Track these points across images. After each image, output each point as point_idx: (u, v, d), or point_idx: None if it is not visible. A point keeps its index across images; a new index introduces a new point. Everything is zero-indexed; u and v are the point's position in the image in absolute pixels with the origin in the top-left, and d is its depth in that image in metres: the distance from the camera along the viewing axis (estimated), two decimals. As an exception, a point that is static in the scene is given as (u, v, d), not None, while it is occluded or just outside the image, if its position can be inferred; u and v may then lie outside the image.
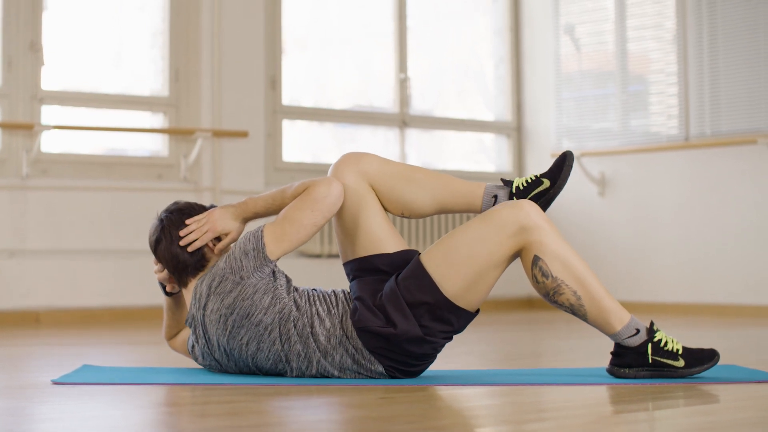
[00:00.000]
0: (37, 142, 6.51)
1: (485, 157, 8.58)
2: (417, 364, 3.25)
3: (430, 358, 3.28)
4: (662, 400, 2.88)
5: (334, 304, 3.24)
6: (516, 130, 8.54)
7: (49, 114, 6.75)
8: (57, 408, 2.78)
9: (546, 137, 8.32)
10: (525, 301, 8.18)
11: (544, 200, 3.26)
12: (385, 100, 8.07)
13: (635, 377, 3.18)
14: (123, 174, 6.88)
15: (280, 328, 3.19)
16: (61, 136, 6.82)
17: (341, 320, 3.21)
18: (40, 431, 2.47)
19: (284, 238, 3.19)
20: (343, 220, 3.32)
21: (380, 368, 3.21)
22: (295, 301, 3.21)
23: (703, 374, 3.24)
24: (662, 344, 3.18)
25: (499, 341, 5.33)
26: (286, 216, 3.22)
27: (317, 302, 3.23)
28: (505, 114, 8.55)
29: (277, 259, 3.21)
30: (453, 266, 3.15)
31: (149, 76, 7.13)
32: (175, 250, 3.30)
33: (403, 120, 8.03)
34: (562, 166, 3.27)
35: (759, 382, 3.15)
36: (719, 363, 3.42)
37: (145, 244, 6.89)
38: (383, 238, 3.28)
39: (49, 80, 6.74)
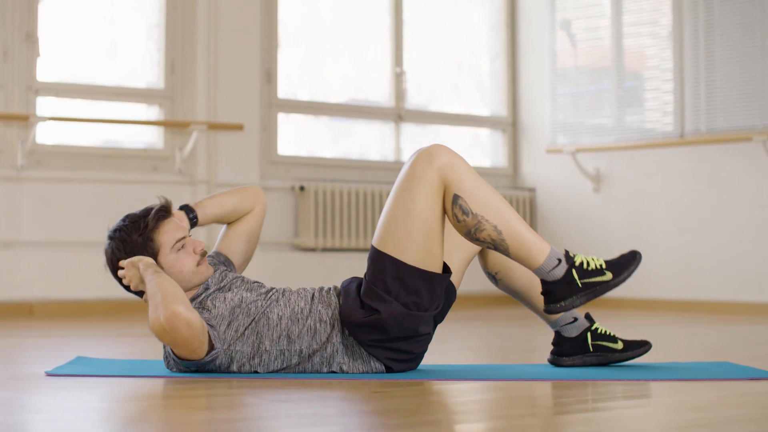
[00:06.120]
0: (32, 134, 6.50)
1: (480, 152, 8.58)
2: (412, 351, 3.24)
3: (424, 340, 3.26)
4: (657, 397, 2.88)
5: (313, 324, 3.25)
6: (511, 125, 8.54)
7: (45, 105, 6.74)
8: (50, 399, 2.78)
9: (541, 132, 8.33)
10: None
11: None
12: (381, 94, 8.06)
13: (573, 305, 3.15)
14: (118, 166, 6.87)
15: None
16: (57, 127, 6.81)
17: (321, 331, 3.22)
18: (33, 422, 2.47)
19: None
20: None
21: (377, 364, 3.21)
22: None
23: (697, 371, 3.23)
24: (585, 266, 3.17)
25: (492, 336, 5.33)
26: None
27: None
28: (500, 109, 8.55)
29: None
30: (402, 236, 3.16)
31: (145, 68, 7.12)
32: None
33: (398, 114, 8.03)
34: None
35: (753, 379, 3.15)
36: (717, 360, 3.42)
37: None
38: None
39: (45, 71, 6.73)
